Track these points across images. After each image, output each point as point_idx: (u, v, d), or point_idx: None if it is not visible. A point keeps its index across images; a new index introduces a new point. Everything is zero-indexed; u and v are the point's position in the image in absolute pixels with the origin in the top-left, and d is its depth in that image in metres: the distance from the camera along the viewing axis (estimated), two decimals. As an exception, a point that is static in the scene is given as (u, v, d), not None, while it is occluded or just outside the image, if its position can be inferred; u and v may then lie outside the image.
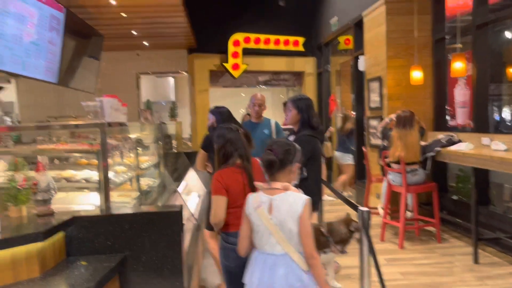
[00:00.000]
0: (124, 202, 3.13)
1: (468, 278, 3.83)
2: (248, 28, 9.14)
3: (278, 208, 2.09)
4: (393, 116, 5.19)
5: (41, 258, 2.06)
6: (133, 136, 4.09)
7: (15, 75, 4.60)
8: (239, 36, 9.13)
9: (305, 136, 3.31)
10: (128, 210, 2.76)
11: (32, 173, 2.46)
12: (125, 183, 3.37)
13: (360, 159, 7.02)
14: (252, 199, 2.19)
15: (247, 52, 9.19)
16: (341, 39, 8.55)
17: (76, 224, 2.29)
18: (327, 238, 3.51)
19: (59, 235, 2.21)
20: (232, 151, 2.56)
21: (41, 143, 3.52)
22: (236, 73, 9.28)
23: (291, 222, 2.05)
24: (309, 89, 9.71)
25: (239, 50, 9.16)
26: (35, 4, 4.47)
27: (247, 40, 9.19)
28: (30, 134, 4.09)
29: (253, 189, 2.44)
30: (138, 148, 4.01)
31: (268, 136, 4.59)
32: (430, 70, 5.87)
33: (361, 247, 2.82)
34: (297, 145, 2.24)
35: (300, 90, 10.06)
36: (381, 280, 2.36)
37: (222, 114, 3.94)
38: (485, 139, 4.53)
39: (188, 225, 3.59)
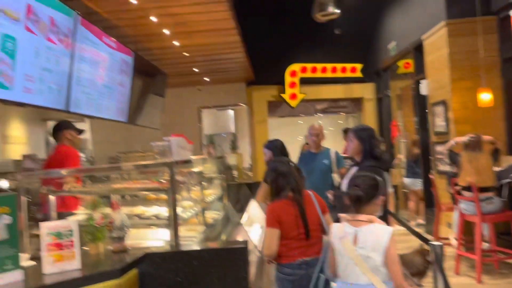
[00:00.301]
0: (191, 237, 3.21)
1: (559, 318, 3.48)
2: (305, 58, 9.26)
3: (364, 240, 2.16)
4: (458, 139, 4.96)
5: (118, 295, 2.15)
6: (197, 170, 4.23)
7: (91, 117, 4.97)
8: (295, 67, 9.26)
9: (368, 168, 3.24)
10: (196, 246, 2.82)
11: (107, 210, 2.61)
12: (191, 218, 3.47)
13: (427, 186, 6.71)
14: (337, 229, 2.29)
15: (304, 81, 9.27)
16: (400, 63, 8.39)
17: (148, 261, 2.38)
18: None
19: (133, 272, 2.30)
20: (284, 185, 2.67)
21: (114, 180, 3.74)
22: (293, 103, 9.37)
23: (377, 254, 2.11)
24: (369, 115, 9.55)
25: (296, 80, 9.27)
26: (107, 50, 4.84)
27: (303, 70, 9.29)
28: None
29: (305, 221, 2.59)
30: (202, 182, 4.12)
31: (328, 166, 4.55)
32: (500, 91, 5.56)
33: (435, 284, 2.67)
34: (380, 178, 2.32)
35: (360, 116, 9.92)
36: None
37: (275, 148, 4.14)
38: None
39: (252, 258, 3.60)
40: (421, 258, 3.34)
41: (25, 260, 2.26)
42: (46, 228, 2.18)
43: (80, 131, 4.08)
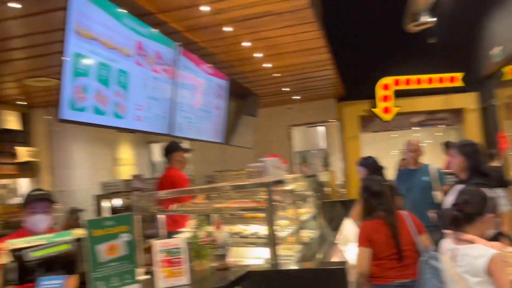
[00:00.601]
0: (288, 256, 3.25)
1: None
2: (397, 71, 8.94)
3: (461, 260, 2.12)
4: None
5: (223, 311, 2.26)
6: (290, 188, 4.28)
7: (191, 139, 5.31)
8: (387, 80, 8.97)
9: (476, 185, 3.02)
10: (294, 265, 2.86)
11: (209, 229, 2.76)
12: (288, 237, 3.51)
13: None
14: (442, 245, 2.30)
15: (398, 94, 8.94)
16: (506, 69, 7.70)
17: (250, 279, 2.46)
18: None
19: (236, 289, 2.40)
20: (376, 204, 2.72)
21: (213, 199, 3.94)
22: (387, 117, 9.06)
23: (471, 276, 2.04)
24: (472, 127, 8.87)
25: (390, 93, 8.97)
26: (204, 76, 5.17)
27: (396, 82, 8.98)
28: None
29: (397, 242, 2.59)
30: (296, 200, 4.16)
31: (428, 183, 4.33)
32: None
33: None
34: (487, 194, 2.22)
35: (461, 129, 9.25)
36: None
37: (370, 165, 4.08)
38: None
39: (350, 278, 3.52)
40: None
41: (140, 275, 2.47)
42: (158, 245, 2.38)
43: (187, 150, 4.51)
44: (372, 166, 4.10)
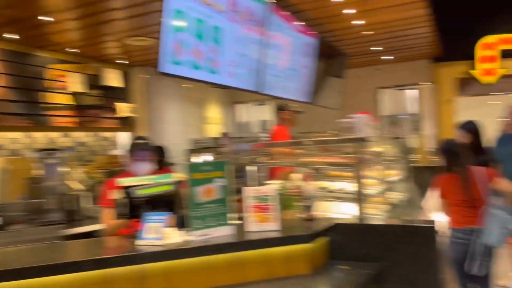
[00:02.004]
0: (375, 214, 3.23)
1: None
2: (505, 29, 8.06)
3: None
4: None
5: (310, 258, 2.34)
6: (378, 149, 4.18)
7: (279, 98, 5.36)
8: (492, 39, 8.14)
9: None
10: (381, 221, 2.84)
11: (299, 182, 2.82)
12: (375, 196, 3.47)
13: None
14: None
15: (505, 54, 8.11)
16: None
17: (338, 231, 2.50)
18: None
19: (324, 239, 2.46)
20: (453, 163, 3.25)
21: (299, 156, 3.98)
22: (490, 79, 8.30)
23: None
24: None
25: (495, 53, 8.16)
26: (293, 34, 5.12)
27: (504, 41, 8.12)
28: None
29: (468, 194, 3.08)
30: (384, 161, 4.06)
31: None
32: None
33: None
34: None
35: None
36: None
37: (472, 130, 4.06)
38: None
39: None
40: None
41: (233, 219, 2.63)
42: (249, 192, 2.50)
43: (298, 111, 5.21)
44: (474, 130, 3.93)
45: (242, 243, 2.29)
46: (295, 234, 2.38)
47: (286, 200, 2.76)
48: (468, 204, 3.12)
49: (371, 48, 7.47)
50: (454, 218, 3.18)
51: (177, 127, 7.61)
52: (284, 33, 4.87)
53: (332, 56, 6.88)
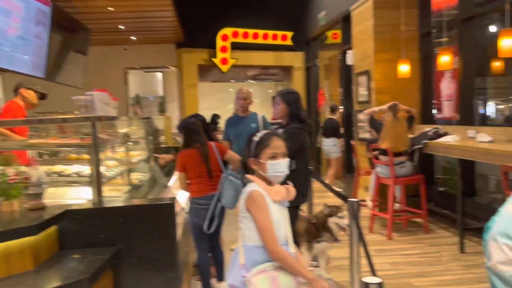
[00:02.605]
0: (115, 196, 3.13)
1: (454, 267, 3.92)
2: (237, 23, 9.14)
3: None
4: (376, 108, 5.29)
5: (35, 252, 2.06)
6: (122, 130, 4.08)
7: (2, 70, 4.54)
8: (227, 31, 9.12)
9: (294, 129, 3.33)
10: (120, 203, 2.76)
11: (23, 168, 2.45)
12: (116, 178, 3.37)
13: (348, 152, 7.10)
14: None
15: (235, 46, 9.19)
16: (329, 33, 8.61)
17: (69, 218, 2.29)
18: (317, 228, 3.64)
19: (52, 229, 2.21)
20: (193, 139, 3.43)
21: (31, 137, 3.49)
22: (224, 68, 9.28)
23: (241, 212, 2.04)
24: (298, 84, 9.76)
25: (228, 44, 9.15)
26: (21, -2, 4.41)
27: (235, 34, 9.19)
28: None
29: (208, 165, 3.39)
30: (128, 142, 4.00)
31: (255, 130, 4.58)
32: (417, 64, 5.94)
33: (351, 237, 2.88)
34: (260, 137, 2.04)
35: (289, 85, 10.10)
36: (371, 265, 2.37)
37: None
38: (470, 132, 4.62)
39: (179, 219, 3.61)
40: (322, 213, 3.69)
41: None
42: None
43: (43, 95, 4.47)
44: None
45: None
46: (15, 227, 2.05)
47: (6, 189, 2.35)
48: (208, 175, 3.41)
49: (119, 27, 7.23)
50: (196, 188, 3.41)
51: None
52: (9, -5, 4.13)
53: (73, 30, 6.30)
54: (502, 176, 3.92)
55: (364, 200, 5.80)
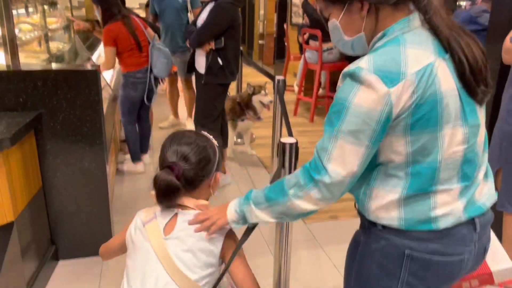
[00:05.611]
0: (32, 64, 2.93)
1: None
2: None
3: None
4: None
5: None
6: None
7: None
8: None
9: (225, 3, 3.20)
10: (38, 67, 2.59)
11: None
12: (32, 43, 3.13)
13: (281, 37, 7.08)
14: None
15: None
16: None
17: (-20, 80, 2.13)
18: (241, 107, 3.78)
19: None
20: (115, 12, 3.28)
21: None
22: None
23: None
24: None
25: None
26: None
27: None
28: None
29: (135, 37, 3.31)
30: (44, 5, 3.64)
31: (182, 5, 4.36)
32: None
33: (274, 110, 3.04)
34: (214, 142, 1.36)
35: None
36: (289, 128, 2.42)
37: None
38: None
39: (105, 94, 3.52)
40: (246, 92, 3.82)
41: None
42: None
43: None
44: None
45: None
46: None
47: None
48: (138, 47, 3.36)
49: None
50: (130, 62, 3.36)
51: None
52: None
53: None
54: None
55: (291, 86, 6.00)
